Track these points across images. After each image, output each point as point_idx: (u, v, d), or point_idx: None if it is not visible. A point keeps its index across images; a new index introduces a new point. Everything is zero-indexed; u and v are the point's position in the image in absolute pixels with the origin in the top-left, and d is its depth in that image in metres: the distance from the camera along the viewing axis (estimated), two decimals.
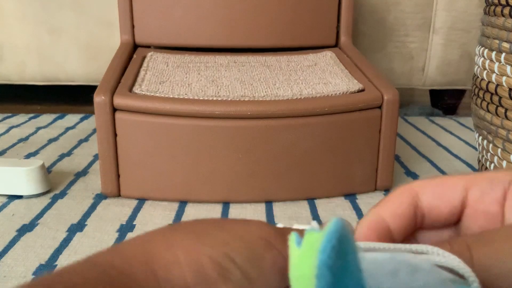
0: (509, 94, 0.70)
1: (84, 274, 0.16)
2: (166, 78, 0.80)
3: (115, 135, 0.73)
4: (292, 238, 0.17)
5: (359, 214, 0.73)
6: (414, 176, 0.89)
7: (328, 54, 0.95)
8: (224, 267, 0.18)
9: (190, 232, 0.20)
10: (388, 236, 0.23)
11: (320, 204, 0.76)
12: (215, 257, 0.18)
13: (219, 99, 0.73)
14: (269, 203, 0.76)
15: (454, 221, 0.23)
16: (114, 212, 0.72)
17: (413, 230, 0.24)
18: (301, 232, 0.19)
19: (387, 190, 0.82)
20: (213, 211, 0.73)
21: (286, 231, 0.22)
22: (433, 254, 0.18)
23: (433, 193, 0.23)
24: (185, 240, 0.19)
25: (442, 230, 0.24)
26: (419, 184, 0.24)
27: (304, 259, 0.16)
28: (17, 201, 0.74)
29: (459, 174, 0.24)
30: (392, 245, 0.19)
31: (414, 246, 0.19)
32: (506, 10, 0.70)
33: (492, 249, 0.19)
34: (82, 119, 1.19)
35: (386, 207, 0.23)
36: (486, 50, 0.75)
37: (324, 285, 0.15)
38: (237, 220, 0.22)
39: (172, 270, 0.17)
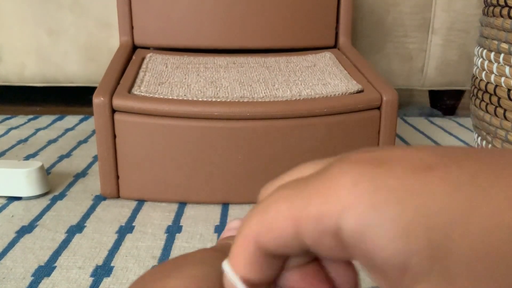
0: (508, 95, 0.71)
1: None
2: (165, 79, 0.80)
3: (114, 136, 0.73)
4: None
5: None
6: None
7: (327, 55, 0.95)
8: None
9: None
10: None
11: None
12: None
13: (218, 100, 0.73)
14: None
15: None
16: (113, 213, 0.72)
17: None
18: None
19: None
20: (213, 212, 0.73)
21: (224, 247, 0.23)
22: None
23: (271, 241, 0.17)
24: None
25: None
26: (255, 224, 0.18)
27: None
28: (16, 202, 0.74)
29: (282, 195, 0.18)
30: None
31: None
32: (505, 11, 0.70)
33: None
34: (81, 121, 1.19)
35: (242, 269, 0.18)
36: (485, 51, 0.76)
37: None
38: (178, 258, 0.23)
39: None
